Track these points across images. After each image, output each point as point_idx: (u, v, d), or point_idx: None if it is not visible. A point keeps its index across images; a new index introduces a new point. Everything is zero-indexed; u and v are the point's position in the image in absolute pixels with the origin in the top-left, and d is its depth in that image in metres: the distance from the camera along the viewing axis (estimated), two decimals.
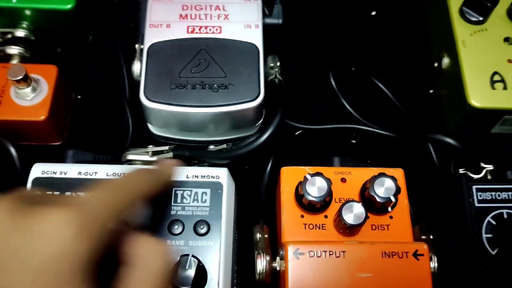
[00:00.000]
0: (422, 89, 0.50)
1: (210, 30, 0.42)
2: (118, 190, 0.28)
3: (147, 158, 0.41)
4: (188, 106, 0.39)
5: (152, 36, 0.42)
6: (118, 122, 0.46)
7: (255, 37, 0.42)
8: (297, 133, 0.47)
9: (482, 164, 0.40)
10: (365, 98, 0.49)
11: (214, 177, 0.37)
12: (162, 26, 0.42)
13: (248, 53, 0.41)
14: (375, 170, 0.38)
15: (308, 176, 0.35)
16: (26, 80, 0.41)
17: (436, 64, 0.49)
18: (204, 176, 0.37)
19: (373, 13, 0.54)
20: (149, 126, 0.42)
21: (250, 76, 0.40)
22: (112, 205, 0.27)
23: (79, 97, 0.48)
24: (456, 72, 0.45)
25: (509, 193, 0.38)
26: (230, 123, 0.41)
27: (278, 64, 0.44)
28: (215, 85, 0.40)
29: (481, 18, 0.46)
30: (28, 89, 0.41)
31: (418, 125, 0.46)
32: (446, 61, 0.48)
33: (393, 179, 0.36)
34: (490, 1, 0.45)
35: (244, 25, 0.43)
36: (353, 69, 0.51)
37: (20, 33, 0.47)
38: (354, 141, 0.47)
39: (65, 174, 0.37)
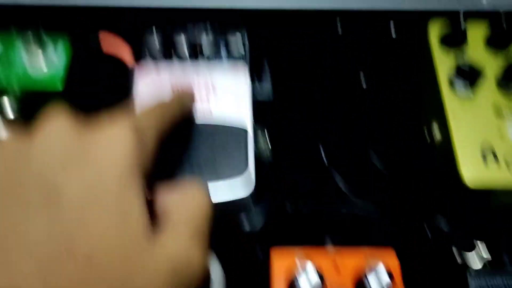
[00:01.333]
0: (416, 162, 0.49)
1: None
2: (159, 114, 0.32)
3: None
4: None
5: None
6: None
7: (244, 118, 0.42)
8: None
9: (479, 250, 0.39)
10: (358, 171, 0.48)
11: None
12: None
13: (236, 135, 0.40)
14: (366, 253, 0.37)
15: (300, 270, 0.34)
16: None
17: (427, 135, 0.49)
18: None
19: (364, 85, 0.54)
20: None
21: (239, 162, 0.39)
22: (152, 124, 0.30)
23: None
24: (447, 144, 0.45)
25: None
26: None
27: (268, 144, 0.44)
28: (202, 169, 0.39)
29: (470, 89, 0.46)
30: None
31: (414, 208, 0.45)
32: (437, 132, 0.47)
33: (387, 269, 0.34)
34: (477, 73, 0.45)
35: (232, 103, 0.42)
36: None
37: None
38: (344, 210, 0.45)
39: None
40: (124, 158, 0.25)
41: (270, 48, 0.56)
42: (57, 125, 0.26)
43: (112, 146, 0.25)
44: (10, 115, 0.46)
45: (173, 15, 0.57)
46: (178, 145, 0.39)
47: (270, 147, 0.44)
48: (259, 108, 0.45)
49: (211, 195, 0.30)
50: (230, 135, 0.40)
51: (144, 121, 0.29)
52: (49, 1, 0.54)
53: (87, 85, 0.52)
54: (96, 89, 0.52)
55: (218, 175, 0.38)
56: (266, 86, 0.48)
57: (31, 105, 0.46)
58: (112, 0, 0.55)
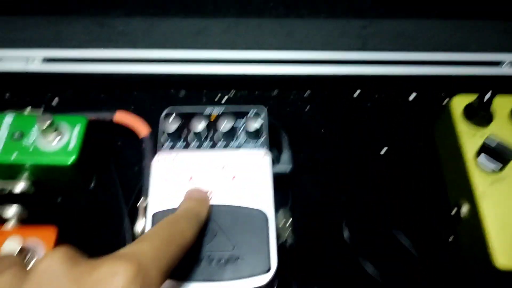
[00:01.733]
0: (441, 235, 0.47)
1: (216, 195, 0.40)
2: (167, 242, 0.30)
3: None
4: (193, 282, 0.36)
5: (155, 204, 0.40)
6: None
7: (264, 202, 0.40)
8: None
9: None
10: (382, 249, 0.46)
11: None
12: (166, 192, 0.40)
13: (257, 221, 0.39)
14: None
15: None
16: (21, 253, 0.38)
17: (454, 212, 0.47)
18: None
19: (383, 151, 0.53)
20: None
21: (260, 247, 0.37)
22: (163, 257, 0.28)
23: None
24: (477, 224, 0.43)
25: None
26: None
27: (289, 223, 0.42)
28: (223, 259, 0.37)
29: (499, 167, 0.44)
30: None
31: None
32: (465, 209, 0.45)
33: None
34: (506, 151, 0.44)
35: (252, 188, 0.41)
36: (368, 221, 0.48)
37: (18, 187, 0.45)
38: None
39: None
40: None
41: (288, 120, 0.55)
42: (53, 264, 0.25)
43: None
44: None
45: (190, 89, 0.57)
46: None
47: (292, 226, 0.42)
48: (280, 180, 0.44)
49: None
50: (251, 221, 0.39)
51: (150, 257, 0.27)
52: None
53: (99, 158, 0.52)
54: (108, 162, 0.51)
55: (240, 273, 0.36)
56: (286, 157, 0.47)
57: (44, 178, 0.46)
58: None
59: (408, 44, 0.56)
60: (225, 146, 0.46)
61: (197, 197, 0.38)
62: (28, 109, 0.51)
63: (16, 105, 0.55)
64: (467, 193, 0.45)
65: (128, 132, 0.51)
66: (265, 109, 0.48)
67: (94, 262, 0.26)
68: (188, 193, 0.39)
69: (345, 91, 0.58)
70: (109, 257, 0.26)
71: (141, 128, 0.50)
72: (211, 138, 0.46)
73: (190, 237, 0.32)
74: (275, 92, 0.58)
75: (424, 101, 0.57)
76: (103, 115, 0.51)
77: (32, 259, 0.39)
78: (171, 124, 0.45)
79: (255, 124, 0.45)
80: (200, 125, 0.45)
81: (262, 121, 0.46)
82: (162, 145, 0.46)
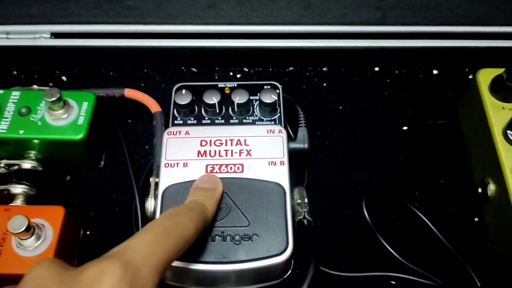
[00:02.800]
0: (466, 216, 0.45)
1: (231, 168, 0.38)
2: (163, 235, 0.28)
3: None
4: (207, 263, 0.34)
5: (167, 177, 0.38)
6: None
7: (281, 176, 0.38)
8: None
9: None
10: (404, 229, 0.44)
11: None
12: (178, 165, 0.39)
13: (273, 195, 0.37)
14: None
15: None
16: (28, 230, 0.37)
17: (480, 190, 0.44)
18: None
19: (405, 128, 0.51)
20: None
21: (276, 224, 0.36)
22: (156, 253, 0.26)
23: (87, 232, 0.44)
24: (505, 202, 0.40)
25: None
26: (255, 278, 0.36)
27: (306, 200, 0.40)
28: (238, 236, 0.35)
29: None
30: (31, 239, 0.38)
31: (470, 278, 0.40)
32: (492, 188, 0.43)
33: None
34: None
35: (268, 162, 0.39)
36: (387, 197, 0.46)
37: (27, 164, 0.44)
38: (394, 282, 0.41)
39: None
40: None
41: (305, 97, 0.53)
42: (40, 273, 0.25)
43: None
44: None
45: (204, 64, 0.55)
46: None
47: (309, 206, 0.40)
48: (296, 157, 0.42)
49: None
50: (268, 195, 0.37)
51: (141, 253, 0.26)
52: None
53: (109, 135, 0.50)
54: (118, 140, 0.50)
55: (255, 253, 0.34)
56: (303, 134, 0.45)
57: (53, 155, 0.45)
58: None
59: (430, 16, 0.53)
60: (239, 122, 0.44)
61: (205, 186, 0.36)
62: (35, 86, 0.49)
63: (24, 82, 0.54)
64: (495, 170, 0.42)
65: (138, 110, 0.50)
66: (280, 85, 0.46)
67: (82, 266, 0.25)
68: (196, 182, 0.37)
69: (364, 67, 0.55)
70: (97, 259, 0.25)
71: (152, 103, 0.48)
72: (224, 114, 0.45)
73: (192, 229, 0.30)
74: (290, 68, 0.55)
75: (447, 76, 0.55)
76: (113, 91, 0.49)
77: (39, 238, 0.38)
78: (184, 97, 0.43)
79: (269, 99, 0.43)
80: (213, 97, 0.43)
81: (277, 96, 0.44)
82: (174, 120, 0.44)
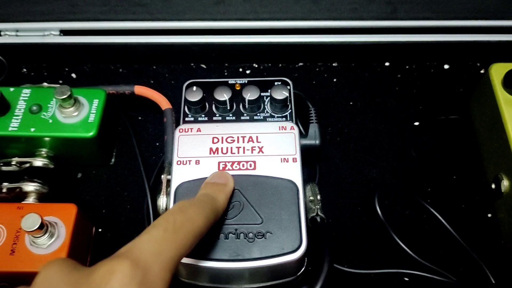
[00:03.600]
0: (479, 212, 0.45)
1: (243, 166, 0.38)
2: (172, 232, 0.27)
3: None
4: (221, 261, 0.34)
5: (180, 174, 0.38)
6: None
7: (293, 173, 0.38)
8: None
9: None
10: (417, 225, 0.44)
11: None
12: (190, 163, 0.38)
13: (286, 192, 0.37)
14: None
15: None
16: (42, 228, 0.37)
17: (493, 186, 0.44)
18: None
19: (416, 123, 0.50)
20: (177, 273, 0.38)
21: (290, 221, 0.35)
22: (166, 250, 0.26)
23: (99, 230, 0.44)
24: None
25: None
26: (268, 275, 0.36)
27: (319, 197, 0.39)
28: (251, 233, 0.35)
29: None
30: (45, 237, 0.38)
31: (484, 269, 0.40)
32: (505, 183, 0.43)
33: None
34: None
35: (281, 159, 0.39)
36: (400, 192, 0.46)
37: (38, 162, 0.44)
38: (407, 279, 0.41)
39: None
40: None
41: (315, 93, 0.53)
42: (51, 274, 0.25)
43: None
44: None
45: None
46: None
47: (321, 203, 0.40)
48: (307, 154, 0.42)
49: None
50: (280, 192, 0.37)
51: (150, 252, 0.25)
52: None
53: (120, 133, 0.50)
54: (129, 137, 0.50)
55: (269, 250, 0.34)
56: (314, 130, 0.45)
57: (64, 152, 0.45)
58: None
59: (441, 10, 0.52)
60: (250, 119, 0.44)
61: (216, 181, 0.36)
62: (45, 84, 0.49)
63: (33, 80, 0.54)
64: (509, 165, 0.42)
65: (149, 107, 0.50)
66: (291, 82, 0.46)
67: (92, 266, 0.25)
68: (208, 178, 0.37)
69: (374, 62, 0.55)
70: (108, 258, 0.25)
71: (163, 100, 0.48)
72: (235, 110, 0.44)
73: (201, 223, 0.30)
74: (300, 64, 0.55)
75: (458, 71, 0.54)
76: (122, 88, 0.49)
77: (52, 235, 0.38)
78: (194, 94, 0.43)
79: (280, 95, 0.43)
80: (224, 94, 0.42)
81: (288, 92, 0.44)
82: (185, 117, 0.44)
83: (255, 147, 0.39)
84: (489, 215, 0.45)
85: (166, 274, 0.25)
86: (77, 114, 0.44)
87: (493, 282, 0.39)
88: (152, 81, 0.54)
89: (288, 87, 0.45)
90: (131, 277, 0.23)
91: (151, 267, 0.25)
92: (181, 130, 0.40)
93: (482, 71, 0.54)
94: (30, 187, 0.42)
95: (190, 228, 0.29)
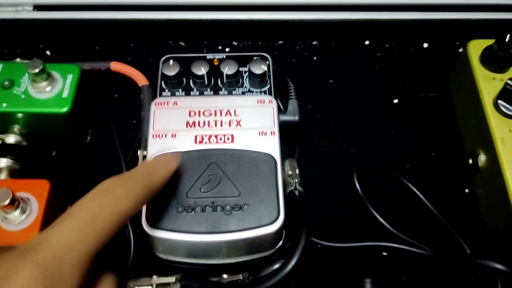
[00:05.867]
0: (456, 187, 0.45)
1: (220, 139, 0.38)
2: (89, 221, 0.24)
3: None
4: (198, 233, 0.34)
5: (155, 148, 0.37)
6: (118, 239, 0.41)
7: (272, 146, 0.37)
8: (319, 246, 0.41)
9: None
10: (395, 201, 0.44)
11: None
12: (166, 136, 0.38)
13: (264, 165, 0.36)
14: None
15: None
16: (13, 203, 0.36)
17: (471, 161, 0.44)
18: None
19: (395, 101, 0.50)
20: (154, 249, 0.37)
21: (267, 194, 0.35)
22: (80, 242, 0.23)
23: None
24: (496, 173, 0.40)
25: None
26: (246, 249, 0.35)
27: (297, 171, 0.39)
28: (228, 206, 0.35)
29: None
30: (16, 212, 0.37)
31: (461, 243, 0.40)
32: (482, 158, 0.43)
33: None
34: None
35: (259, 132, 0.38)
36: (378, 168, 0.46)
37: (11, 139, 0.43)
38: (385, 253, 0.41)
39: None
40: None
41: (295, 70, 0.52)
42: None
43: None
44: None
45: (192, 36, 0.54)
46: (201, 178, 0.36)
47: (300, 177, 0.39)
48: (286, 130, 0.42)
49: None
50: (258, 165, 0.36)
51: (63, 246, 0.23)
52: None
53: (95, 110, 0.49)
54: (105, 115, 0.49)
55: (247, 222, 0.34)
56: (293, 106, 0.44)
57: (37, 129, 0.43)
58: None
59: None
60: (228, 94, 0.43)
61: (155, 160, 0.34)
62: (18, 59, 0.48)
63: (7, 57, 0.52)
64: (486, 141, 0.42)
65: (125, 84, 0.49)
66: (269, 57, 0.45)
67: None
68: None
69: (354, 40, 0.55)
70: (15, 250, 0.23)
71: (139, 76, 0.47)
72: (213, 85, 0.44)
73: (128, 206, 0.27)
74: (280, 42, 0.55)
75: (437, 49, 0.54)
76: (98, 65, 0.48)
77: (24, 211, 0.37)
78: (171, 68, 0.42)
79: (259, 69, 0.43)
80: (202, 68, 0.42)
81: (267, 67, 0.43)
82: (162, 92, 0.43)
83: (232, 120, 0.39)
84: (467, 190, 0.45)
85: (79, 268, 0.23)
86: (50, 90, 0.43)
87: (468, 252, 0.40)
88: (129, 59, 0.53)
89: (267, 62, 0.44)
90: (33, 281, 0.21)
91: (61, 265, 0.22)
92: (157, 104, 0.40)
93: (460, 50, 0.54)
94: (1, 163, 0.41)
95: (111, 215, 0.26)
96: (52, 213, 0.39)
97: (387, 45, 0.54)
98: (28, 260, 0.22)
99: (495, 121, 0.42)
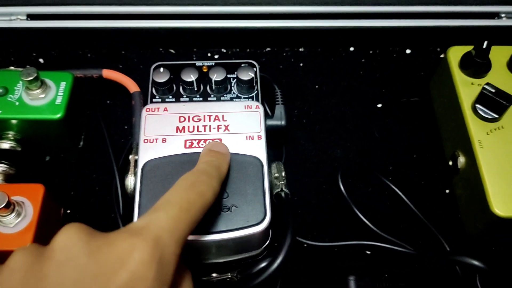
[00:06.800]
0: (437, 188, 0.47)
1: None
2: (186, 210, 0.28)
3: None
4: None
5: (146, 152, 0.39)
6: None
7: (258, 150, 0.39)
8: (304, 245, 0.43)
9: None
10: (378, 202, 0.45)
11: None
12: (157, 141, 0.39)
13: (251, 168, 0.38)
14: None
15: None
16: (8, 207, 0.37)
17: (450, 163, 0.46)
18: None
19: (379, 105, 0.52)
20: None
21: (254, 195, 0.37)
22: (180, 227, 0.27)
23: (68, 211, 0.45)
24: (474, 173, 0.42)
25: None
26: (234, 248, 0.37)
27: (284, 174, 0.41)
28: (217, 207, 0.36)
29: (496, 116, 0.43)
30: (12, 216, 0.38)
31: (441, 241, 0.42)
32: (462, 160, 0.45)
33: None
34: (504, 99, 0.43)
35: (246, 136, 0.40)
36: (363, 170, 0.48)
37: (5, 145, 0.44)
38: (369, 252, 0.42)
39: None
40: (138, 278, 0.24)
41: (282, 76, 0.54)
42: (69, 241, 0.25)
43: (127, 264, 0.24)
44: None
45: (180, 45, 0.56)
46: None
47: (286, 179, 0.41)
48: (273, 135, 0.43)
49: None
50: (245, 168, 0.38)
51: (167, 229, 0.26)
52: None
53: (88, 116, 0.50)
54: (97, 120, 0.50)
55: (234, 223, 0.35)
56: (280, 112, 0.46)
57: (31, 135, 0.45)
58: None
59: None
60: (217, 100, 0.45)
61: (218, 149, 0.36)
62: (12, 67, 0.49)
63: (0, 65, 0.54)
64: (464, 143, 0.44)
65: (116, 91, 0.50)
66: (257, 64, 0.47)
67: (110, 237, 0.25)
68: (207, 146, 0.37)
69: (339, 47, 0.56)
70: (125, 231, 0.25)
71: (131, 83, 0.49)
72: (202, 92, 0.45)
73: (211, 198, 0.30)
74: (268, 49, 0.56)
75: (419, 56, 0.56)
76: (90, 72, 0.49)
77: (19, 215, 0.38)
78: (162, 75, 0.44)
79: (247, 76, 0.44)
80: (191, 75, 0.43)
81: (254, 74, 0.45)
82: (153, 99, 0.44)
83: (221, 125, 0.40)
84: (447, 191, 0.47)
85: (179, 250, 0.26)
86: (44, 97, 0.44)
87: (448, 249, 0.41)
88: (120, 66, 0.54)
89: (255, 68, 0.46)
90: (152, 255, 0.24)
91: (167, 245, 0.25)
92: (148, 110, 0.41)
93: (441, 56, 0.56)
94: None
95: (202, 204, 0.29)
96: (47, 216, 0.40)
97: (371, 51, 0.56)
98: (147, 237, 0.25)
99: (473, 124, 0.44)
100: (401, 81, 0.54)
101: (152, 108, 0.41)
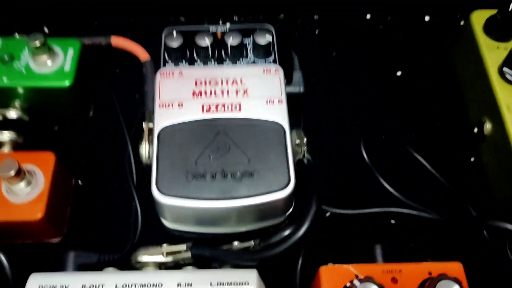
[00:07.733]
0: (463, 156, 0.45)
1: (228, 108, 0.37)
2: None
3: (161, 259, 0.35)
4: (209, 200, 0.33)
5: (162, 118, 0.37)
6: (125, 211, 0.41)
7: (280, 114, 0.37)
8: (327, 214, 0.41)
9: None
10: (402, 170, 0.44)
11: (242, 283, 0.31)
12: (173, 105, 0.37)
13: (273, 133, 0.36)
14: (429, 266, 0.32)
15: (356, 283, 0.30)
16: (19, 174, 0.35)
17: (476, 130, 0.45)
18: (231, 283, 0.31)
19: (399, 73, 0.50)
20: (162, 219, 0.37)
21: (277, 161, 0.35)
22: None
23: (79, 182, 0.43)
24: (502, 139, 0.40)
25: None
26: (256, 216, 0.35)
27: (305, 140, 0.39)
28: (238, 172, 0.34)
29: None
30: (22, 184, 0.36)
31: (468, 208, 0.41)
32: (488, 126, 0.43)
33: (457, 282, 0.30)
34: None
35: (266, 100, 0.38)
36: (383, 137, 0.46)
37: (12, 114, 0.42)
38: (393, 221, 0.41)
39: (66, 287, 0.31)
40: None
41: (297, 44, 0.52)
42: None
43: None
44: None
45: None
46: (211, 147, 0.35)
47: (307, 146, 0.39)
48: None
49: None
50: (267, 133, 0.36)
51: None
52: None
53: (97, 85, 0.48)
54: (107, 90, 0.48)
55: (257, 188, 0.34)
56: (298, 78, 0.44)
57: (39, 103, 0.43)
58: None
59: None
60: (234, 62, 0.43)
61: None
62: (17, 34, 0.47)
63: (3, 33, 0.52)
64: (491, 109, 0.42)
65: (126, 59, 0.48)
66: (273, 27, 0.45)
67: None
68: None
69: (356, 14, 0.54)
70: None
71: (141, 51, 0.47)
72: (217, 57, 0.43)
73: None
74: (282, 16, 0.54)
75: (439, 22, 0.54)
76: (99, 40, 0.47)
77: (30, 183, 0.36)
78: (175, 40, 0.42)
79: (264, 40, 0.42)
80: (206, 39, 0.41)
81: (271, 38, 0.43)
82: (165, 64, 0.43)
83: (239, 89, 0.38)
84: (472, 159, 0.45)
85: None
86: (51, 64, 0.42)
87: (474, 214, 0.40)
88: (129, 34, 0.52)
89: (271, 33, 0.44)
90: None
91: None
92: (162, 74, 0.39)
93: (462, 23, 0.54)
94: (4, 136, 0.40)
95: None
96: (58, 185, 0.39)
97: (389, 18, 0.54)
98: None
99: (500, 89, 0.42)
100: (421, 48, 0.52)
101: (166, 72, 0.39)
